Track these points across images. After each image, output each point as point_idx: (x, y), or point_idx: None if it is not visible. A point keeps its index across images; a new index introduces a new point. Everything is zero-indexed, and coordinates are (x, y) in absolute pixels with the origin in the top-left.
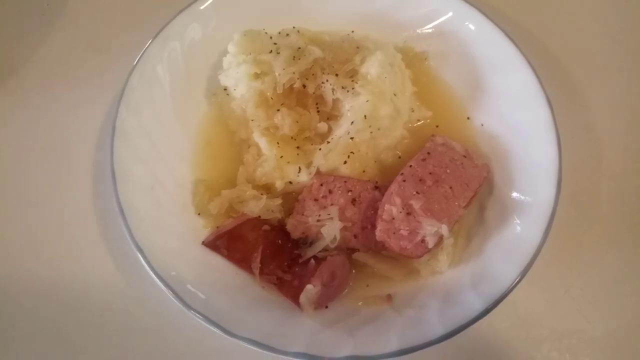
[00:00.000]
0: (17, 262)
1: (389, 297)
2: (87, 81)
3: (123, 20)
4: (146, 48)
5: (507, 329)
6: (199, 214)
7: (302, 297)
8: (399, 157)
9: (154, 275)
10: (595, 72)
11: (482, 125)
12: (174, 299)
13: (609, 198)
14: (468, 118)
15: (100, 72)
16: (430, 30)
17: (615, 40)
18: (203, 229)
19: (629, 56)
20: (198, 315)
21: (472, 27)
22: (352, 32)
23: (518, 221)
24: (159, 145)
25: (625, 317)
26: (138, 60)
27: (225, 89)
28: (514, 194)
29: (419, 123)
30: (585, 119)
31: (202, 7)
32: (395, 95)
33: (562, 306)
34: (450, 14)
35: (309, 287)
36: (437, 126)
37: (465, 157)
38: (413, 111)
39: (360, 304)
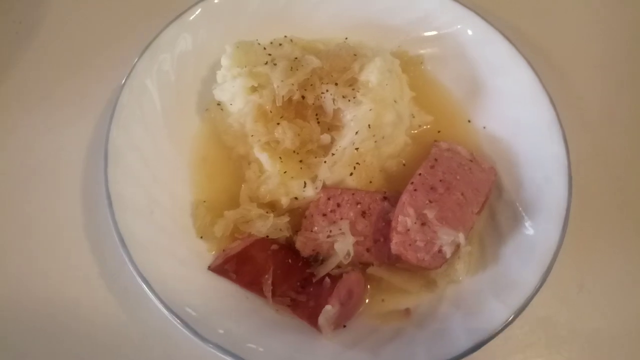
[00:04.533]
0: (8, 303)
1: (408, 311)
2: (67, 101)
3: (102, 36)
4: (135, 63)
5: (526, 332)
6: (201, 237)
7: (321, 319)
8: (404, 165)
9: (164, 309)
10: (590, 67)
11: (484, 127)
12: (188, 334)
13: (616, 192)
14: (469, 121)
15: (81, 91)
16: (424, 34)
17: (607, 33)
18: (207, 253)
19: (622, 48)
20: (215, 347)
21: (466, 29)
22: (346, 39)
23: (531, 223)
24: (154, 166)
25: None
26: (127, 77)
27: (218, 104)
28: (524, 196)
29: (420, 129)
30: (584, 114)
31: (191, 18)
32: (395, 101)
33: (577, 305)
34: (444, 17)
35: (327, 307)
36: (438, 131)
37: (471, 161)
38: (414, 117)
39: (378, 321)
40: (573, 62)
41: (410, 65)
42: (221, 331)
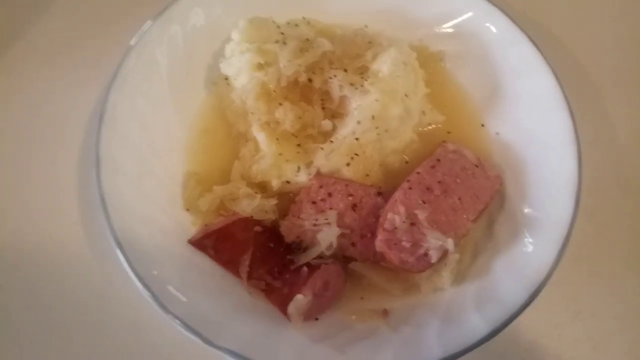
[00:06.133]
0: None
1: (385, 312)
2: (84, 62)
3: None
4: (145, 30)
5: (510, 354)
6: (187, 209)
7: (291, 307)
8: (406, 162)
9: (132, 273)
10: (620, 81)
11: (498, 133)
12: (151, 301)
13: (628, 217)
14: (482, 125)
15: (98, 54)
16: (448, 30)
17: None
18: (191, 226)
19: None
20: (176, 320)
21: (492, 28)
22: (366, 26)
23: (530, 239)
24: (152, 132)
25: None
26: (136, 42)
27: (226, 78)
28: (527, 209)
29: (429, 127)
30: (605, 130)
31: None
32: (406, 95)
33: (570, 332)
34: (471, 13)
35: (298, 296)
36: (448, 132)
37: (477, 166)
38: (424, 114)
39: (353, 317)
40: (605, 74)
41: (429, 61)
42: (187, 304)
